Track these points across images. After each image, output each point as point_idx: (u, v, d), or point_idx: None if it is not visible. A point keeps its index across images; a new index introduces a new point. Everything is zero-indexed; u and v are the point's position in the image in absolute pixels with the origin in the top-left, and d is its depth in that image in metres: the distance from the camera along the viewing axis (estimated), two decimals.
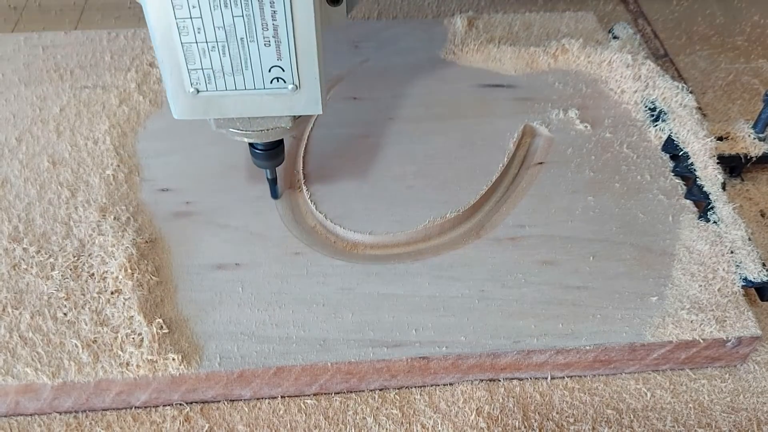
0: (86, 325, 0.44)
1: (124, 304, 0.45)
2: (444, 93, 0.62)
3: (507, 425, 0.43)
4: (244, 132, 0.43)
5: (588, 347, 0.44)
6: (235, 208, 0.52)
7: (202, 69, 0.38)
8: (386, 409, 0.44)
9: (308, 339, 0.44)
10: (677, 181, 0.54)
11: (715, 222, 0.49)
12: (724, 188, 0.51)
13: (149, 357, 0.42)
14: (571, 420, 0.43)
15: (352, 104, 0.61)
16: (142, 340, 0.43)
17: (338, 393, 0.45)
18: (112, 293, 0.45)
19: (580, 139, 0.57)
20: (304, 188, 0.53)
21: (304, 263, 0.48)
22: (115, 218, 0.50)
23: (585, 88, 0.62)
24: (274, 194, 0.51)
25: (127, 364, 0.42)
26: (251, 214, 0.51)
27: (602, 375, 0.46)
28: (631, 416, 0.44)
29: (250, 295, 0.46)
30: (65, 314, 0.44)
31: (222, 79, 0.38)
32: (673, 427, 0.43)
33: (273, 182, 0.50)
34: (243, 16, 0.36)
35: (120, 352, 0.42)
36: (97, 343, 0.43)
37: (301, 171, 0.54)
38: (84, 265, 0.47)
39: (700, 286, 0.46)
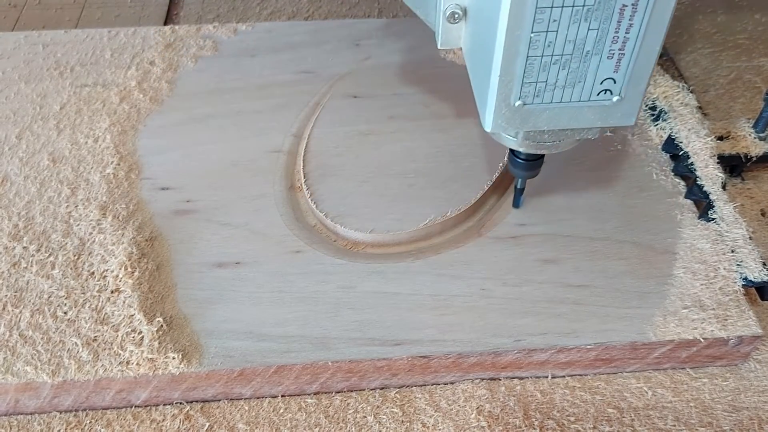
0: (86, 323, 0.44)
1: (124, 302, 0.44)
2: (445, 91, 0.61)
3: (508, 424, 0.43)
4: (544, 144, 0.42)
5: (589, 346, 0.44)
6: (236, 207, 0.51)
7: (536, 82, 0.36)
8: (387, 407, 0.44)
9: (309, 337, 0.44)
10: (678, 180, 0.54)
11: (715, 221, 0.49)
12: (724, 188, 0.51)
13: (149, 355, 0.42)
14: (572, 419, 0.43)
15: (352, 102, 0.61)
16: (142, 338, 0.43)
17: (339, 392, 0.45)
18: (112, 291, 0.45)
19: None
20: (305, 187, 0.53)
21: (305, 262, 0.48)
22: (115, 216, 0.50)
23: None
24: (517, 203, 0.51)
25: (127, 362, 0.42)
26: (252, 212, 0.51)
27: (603, 374, 0.46)
28: (633, 415, 0.43)
29: (251, 293, 0.46)
30: (65, 312, 0.44)
31: (551, 93, 0.37)
32: (675, 425, 0.43)
33: (520, 192, 0.50)
34: (598, 29, 0.35)
35: (120, 351, 0.42)
36: (97, 342, 0.43)
37: (301, 170, 0.54)
38: (84, 263, 0.47)
39: (702, 285, 0.46)
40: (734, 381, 0.46)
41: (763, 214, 0.55)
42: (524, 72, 0.36)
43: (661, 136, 0.56)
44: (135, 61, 0.64)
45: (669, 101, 0.57)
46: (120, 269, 0.46)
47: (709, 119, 0.57)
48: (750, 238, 0.48)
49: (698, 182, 0.51)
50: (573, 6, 0.33)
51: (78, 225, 0.49)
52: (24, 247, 0.48)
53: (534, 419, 0.43)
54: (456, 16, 0.39)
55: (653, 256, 0.48)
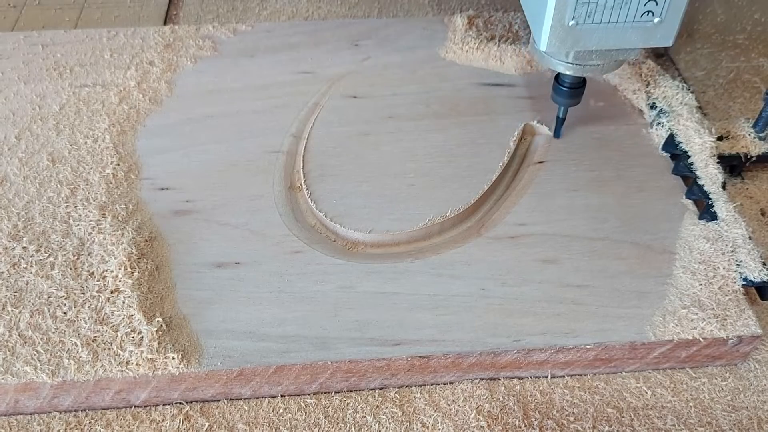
0: (86, 323, 0.44)
1: (123, 302, 0.44)
2: (444, 91, 0.62)
3: (507, 424, 0.43)
4: (590, 66, 0.47)
5: (588, 346, 0.44)
6: (235, 207, 0.51)
7: (588, 3, 0.41)
8: (386, 407, 0.44)
9: (308, 337, 0.44)
10: (677, 180, 0.54)
11: (715, 221, 0.49)
12: (724, 187, 0.51)
13: (149, 355, 0.42)
14: (572, 418, 0.43)
15: (352, 102, 0.61)
16: (141, 338, 0.43)
17: (338, 392, 0.45)
18: (111, 292, 0.45)
19: (581, 137, 0.57)
20: (304, 187, 0.53)
21: (304, 262, 0.48)
22: (114, 216, 0.50)
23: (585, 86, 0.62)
24: (558, 134, 0.55)
25: (127, 362, 0.42)
26: (251, 212, 0.51)
27: (603, 373, 0.46)
28: (632, 415, 0.43)
29: (250, 293, 0.46)
30: (65, 313, 0.44)
31: (601, 12, 0.42)
32: (674, 425, 0.43)
33: (561, 122, 0.54)
34: None
35: (120, 351, 0.42)
36: (97, 342, 0.43)
37: (301, 170, 0.54)
38: (84, 263, 0.47)
39: (701, 284, 0.46)
40: (733, 381, 0.46)
41: (762, 214, 0.55)
42: None
43: (661, 136, 0.56)
44: (134, 61, 0.64)
45: (669, 101, 0.57)
46: (119, 269, 0.46)
47: (709, 119, 0.57)
48: (750, 237, 0.48)
49: (698, 182, 0.51)
50: None
51: (77, 225, 0.49)
52: (23, 248, 0.48)
53: (533, 419, 0.43)
54: None
55: (652, 256, 0.48)
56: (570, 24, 0.42)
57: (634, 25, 0.43)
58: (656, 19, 0.42)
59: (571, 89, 0.51)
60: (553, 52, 0.46)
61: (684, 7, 0.42)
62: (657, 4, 0.42)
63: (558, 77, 0.51)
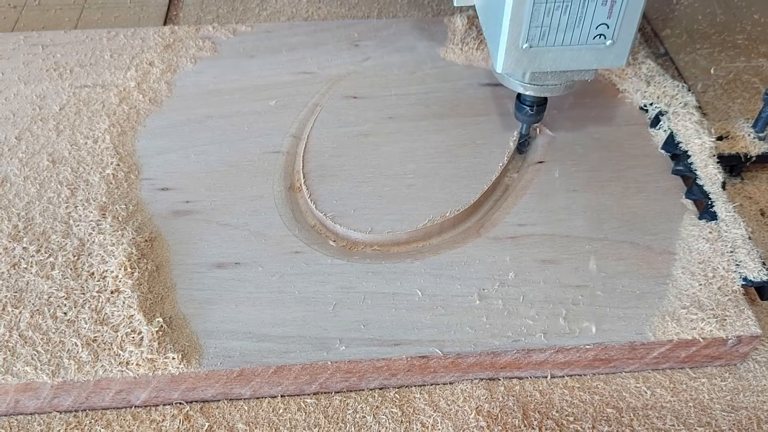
0: (86, 323, 0.44)
1: (123, 302, 0.45)
2: (444, 91, 0.62)
3: (507, 424, 0.43)
4: (548, 86, 0.48)
5: (588, 346, 0.44)
6: (235, 207, 0.51)
7: (541, 26, 0.42)
8: (386, 407, 0.44)
9: (308, 338, 0.44)
10: (677, 180, 0.54)
11: (715, 221, 0.49)
12: (724, 187, 0.51)
13: (149, 356, 0.42)
14: (571, 419, 0.43)
15: (352, 103, 0.61)
16: (141, 338, 0.43)
17: (338, 392, 0.45)
18: (111, 292, 0.45)
19: (580, 137, 0.57)
20: (304, 187, 0.53)
21: (304, 262, 0.48)
22: (114, 217, 0.50)
23: (585, 86, 0.62)
24: (522, 149, 0.55)
25: (127, 362, 0.42)
26: (251, 212, 0.51)
27: (602, 374, 0.46)
28: (631, 415, 0.43)
29: (250, 293, 0.46)
30: (65, 313, 0.44)
31: (554, 35, 0.43)
32: (673, 425, 0.43)
33: (525, 138, 0.55)
34: None
35: (120, 351, 0.42)
36: (97, 342, 0.43)
37: (301, 170, 0.54)
38: (84, 263, 0.47)
39: (700, 284, 0.46)
40: (733, 381, 0.46)
41: (762, 214, 0.56)
42: (531, 16, 0.42)
43: (661, 136, 0.56)
44: (134, 61, 0.64)
45: (668, 101, 0.57)
46: (120, 270, 0.46)
47: (708, 119, 0.57)
48: (749, 237, 0.48)
49: (698, 182, 0.51)
50: None
51: (78, 226, 0.49)
52: (24, 248, 0.48)
53: (533, 419, 0.43)
54: None
55: (652, 256, 0.48)
56: (524, 46, 0.43)
57: (587, 47, 0.44)
58: (608, 42, 0.44)
59: (532, 107, 0.51)
60: (509, 72, 0.47)
61: (635, 30, 0.43)
62: (608, 27, 0.43)
63: (519, 96, 0.52)
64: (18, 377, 0.41)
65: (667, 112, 0.57)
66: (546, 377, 0.45)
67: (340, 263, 0.48)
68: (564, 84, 0.48)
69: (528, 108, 0.52)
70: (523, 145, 0.55)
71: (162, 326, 0.43)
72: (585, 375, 0.46)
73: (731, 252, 0.48)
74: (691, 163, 0.52)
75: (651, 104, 0.58)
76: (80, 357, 0.42)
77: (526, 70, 0.46)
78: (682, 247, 0.49)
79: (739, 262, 0.47)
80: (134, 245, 0.48)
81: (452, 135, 0.57)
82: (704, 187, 0.51)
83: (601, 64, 0.45)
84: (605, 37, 0.43)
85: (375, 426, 0.43)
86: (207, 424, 0.43)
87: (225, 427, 0.43)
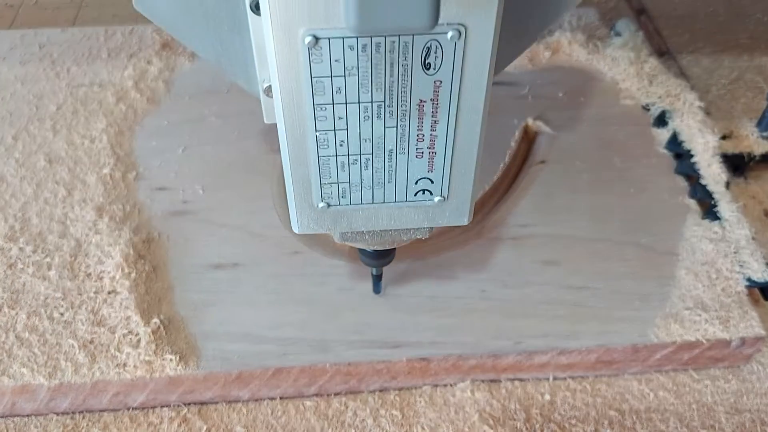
0: (83, 325, 0.43)
1: (120, 304, 0.44)
2: None
3: (509, 427, 0.42)
4: (371, 242, 0.39)
5: (590, 348, 0.43)
6: (233, 208, 0.51)
7: (338, 183, 0.33)
8: (386, 410, 0.43)
9: (307, 340, 0.43)
10: (680, 180, 0.53)
11: (718, 221, 0.49)
12: (727, 187, 0.50)
13: (146, 358, 0.41)
14: (574, 421, 0.43)
15: None
16: (139, 340, 0.42)
17: (337, 394, 0.44)
18: (108, 293, 0.45)
19: (583, 137, 0.57)
20: None
21: (303, 263, 0.47)
22: (111, 217, 0.49)
23: (587, 85, 0.61)
24: (377, 290, 0.46)
25: (124, 364, 0.41)
26: (249, 213, 0.51)
27: (605, 376, 0.45)
28: (634, 417, 0.43)
29: (249, 295, 0.46)
30: (62, 314, 0.44)
31: (359, 193, 0.34)
32: (676, 428, 0.43)
33: (378, 278, 0.46)
34: (397, 127, 0.31)
35: (117, 353, 0.42)
36: (94, 344, 0.42)
37: None
38: (81, 264, 0.47)
39: (704, 286, 0.46)
40: (736, 383, 0.45)
41: (766, 214, 0.55)
42: (320, 173, 0.33)
43: (664, 136, 0.56)
44: (132, 60, 0.64)
45: (672, 100, 0.57)
46: (117, 271, 0.46)
47: (711, 119, 0.57)
48: (753, 238, 0.47)
49: (701, 182, 0.51)
50: (359, 103, 0.30)
51: (74, 226, 0.49)
52: (20, 249, 0.47)
53: (535, 422, 0.43)
54: (271, 90, 0.32)
55: (655, 257, 0.48)
56: (320, 206, 0.34)
57: (409, 205, 0.35)
58: (437, 198, 0.34)
59: (377, 252, 0.42)
60: (307, 233, 0.37)
61: (471, 182, 0.35)
62: (433, 182, 0.34)
63: None
64: (14, 379, 0.41)
65: (670, 111, 0.56)
66: (548, 379, 0.45)
67: (339, 264, 0.47)
68: (392, 240, 0.38)
69: (372, 252, 0.42)
70: (378, 287, 0.46)
71: (159, 328, 0.43)
72: (587, 377, 0.45)
73: (735, 252, 0.47)
74: (695, 163, 0.52)
75: (654, 103, 0.58)
76: (77, 359, 0.42)
77: (333, 231, 0.37)
78: (685, 247, 0.48)
79: (743, 262, 0.47)
80: (131, 246, 0.47)
81: None
82: (708, 187, 0.50)
83: (437, 222, 0.36)
84: (431, 193, 0.34)
85: (375, 429, 0.42)
86: (205, 426, 0.42)
87: (223, 429, 0.42)
